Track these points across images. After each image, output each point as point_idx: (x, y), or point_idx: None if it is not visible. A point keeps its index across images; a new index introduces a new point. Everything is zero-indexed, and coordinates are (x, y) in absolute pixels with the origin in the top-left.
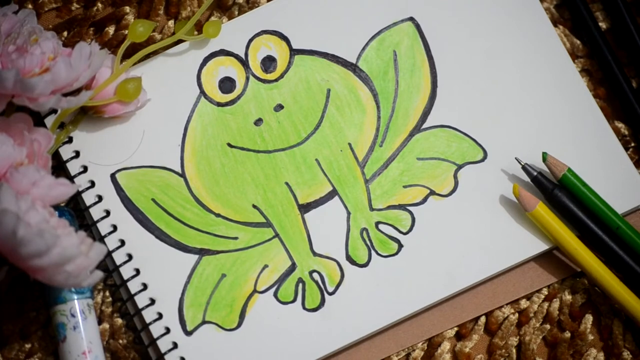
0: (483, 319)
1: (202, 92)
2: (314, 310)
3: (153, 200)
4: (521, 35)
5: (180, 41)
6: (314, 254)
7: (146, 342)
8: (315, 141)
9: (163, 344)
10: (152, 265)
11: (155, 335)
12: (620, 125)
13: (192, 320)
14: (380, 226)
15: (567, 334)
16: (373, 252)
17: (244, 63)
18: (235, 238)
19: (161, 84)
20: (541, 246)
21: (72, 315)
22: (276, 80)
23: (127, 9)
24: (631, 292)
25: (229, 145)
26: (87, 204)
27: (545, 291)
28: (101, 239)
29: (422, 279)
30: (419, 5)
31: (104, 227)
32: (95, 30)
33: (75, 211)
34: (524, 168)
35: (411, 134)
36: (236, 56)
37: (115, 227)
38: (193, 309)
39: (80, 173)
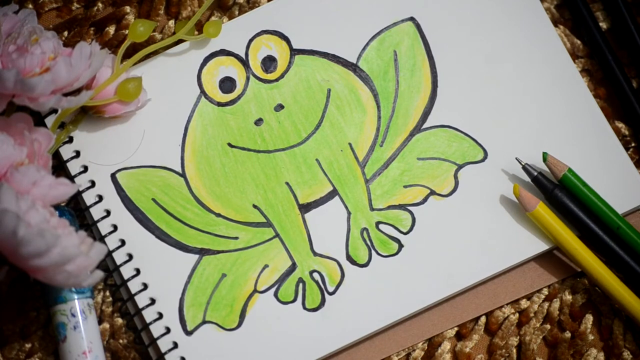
0: (483, 319)
1: (203, 92)
2: (314, 310)
3: (153, 200)
4: (521, 35)
5: (180, 41)
6: (315, 253)
7: (146, 342)
8: (316, 141)
9: (163, 344)
10: (153, 265)
11: (155, 335)
12: (620, 125)
13: (192, 320)
14: (381, 226)
15: (568, 334)
16: (373, 252)
17: (245, 63)
18: (236, 238)
19: (161, 83)
20: (541, 246)
21: (72, 315)
22: (276, 80)
23: (128, 8)
24: (631, 292)
25: (230, 145)
26: (88, 203)
27: (545, 291)
28: (101, 238)
29: (422, 279)
30: (419, 5)
31: (104, 227)
32: (96, 30)
33: (76, 211)
34: (524, 168)
35: (411, 134)
36: (236, 56)
37: (115, 227)
38: (193, 309)
39: (80, 173)
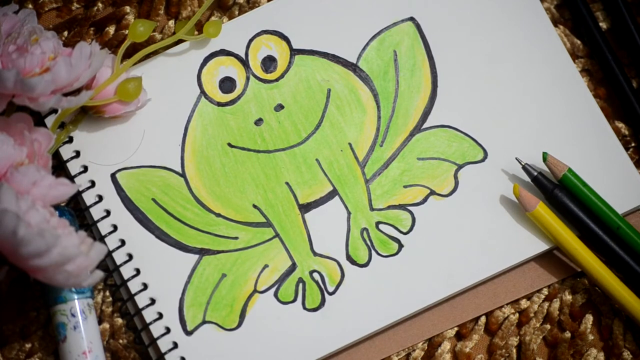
0: (483, 319)
1: (203, 92)
2: (314, 310)
3: (153, 200)
4: (521, 35)
5: (180, 41)
6: (314, 253)
7: (146, 342)
8: (316, 141)
9: (163, 344)
10: (153, 265)
11: (155, 335)
12: (620, 125)
13: (192, 320)
14: (381, 226)
15: (568, 334)
16: (373, 252)
17: (245, 63)
18: (236, 238)
19: (161, 83)
20: (541, 246)
21: (72, 315)
22: (276, 80)
23: (128, 8)
24: (631, 292)
25: (230, 145)
26: (88, 203)
27: (545, 291)
28: (101, 238)
29: (422, 279)
30: (419, 5)
31: (104, 227)
32: (96, 30)
33: (76, 211)
34: (524, 168)
35: (411, 134)
36: (236, 56)
37: (115, 227)
38: (193, 309)
39: (80, 173)
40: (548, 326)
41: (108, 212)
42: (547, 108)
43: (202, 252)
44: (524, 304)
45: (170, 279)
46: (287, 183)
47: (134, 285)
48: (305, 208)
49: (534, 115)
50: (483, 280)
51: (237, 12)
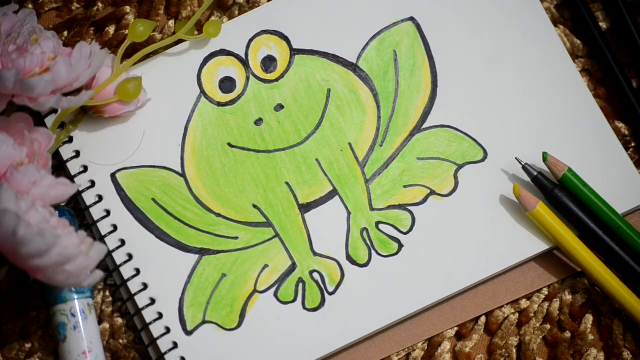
0: (483, 319)
1: (203, 92)
2: (314, 310)
3: (153, 200)
4: (521, 35)
5: (180, 41)
6: (314, 253)
7: (146, 342)
8: (316, 141)
9: (163, 344)
10: (153, 265)
11: (155, 335)
12: (620, 125)
13: (192, 320)
14: (381, 226)
15: (568, 334)
16: (373, 252)
17: (245, 63)
18: (236, 238)
19: (161, 83)
20: (541, 246)
21: (72, 315)
22: (276, 80)
23: (128, 8)
24: (631, 292)
25: (230, 145)
26: (88, 203)
27: (545, 291)
28: (101, 238)
29: (422, 279)
30: (420, 5)
31: (104, 227)
32: (96, 30)
33: (76, 211)
34: (524, 168)
35: (411, 134)
36: (236, 56)
37: (115, 227)
38: (193, 309)
39: (80, 173)
40: (548, 326)
41: (108, 212)
42: (547, 108)
43: (202, 252)
44: (524, 304)
45: (170, 279)
46: (287, 183)
47: (134, 285)
48: (305, 208)
49: (534, 115)
50: (483, 280)
51: (237, 12)
